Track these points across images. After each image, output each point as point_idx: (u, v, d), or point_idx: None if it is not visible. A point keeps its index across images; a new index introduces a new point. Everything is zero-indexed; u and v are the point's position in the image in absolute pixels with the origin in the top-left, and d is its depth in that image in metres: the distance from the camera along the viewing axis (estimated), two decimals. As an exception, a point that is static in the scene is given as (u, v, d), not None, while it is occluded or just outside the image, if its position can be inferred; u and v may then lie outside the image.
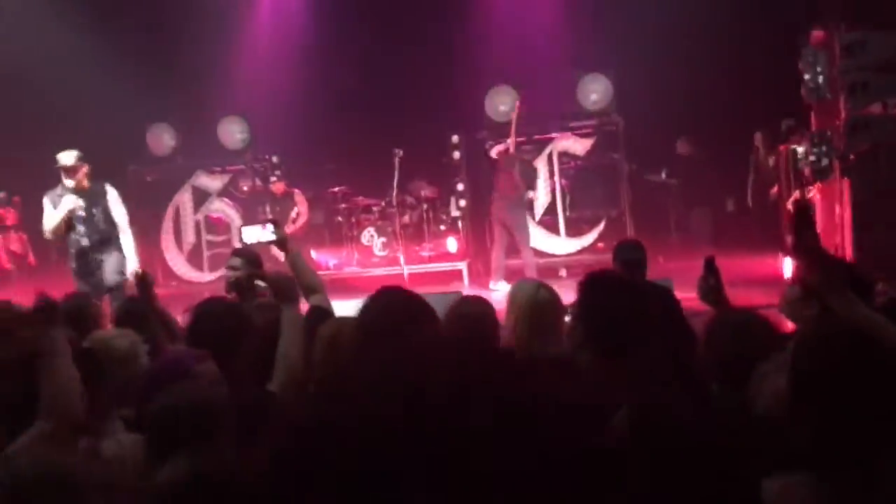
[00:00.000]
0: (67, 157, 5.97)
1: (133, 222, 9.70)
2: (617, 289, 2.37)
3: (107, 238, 6.08)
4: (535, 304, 2.73)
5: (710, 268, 2.60)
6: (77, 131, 7.39)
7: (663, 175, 10.14)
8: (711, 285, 2.57)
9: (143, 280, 3.55)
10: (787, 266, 6.82)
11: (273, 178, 9.50)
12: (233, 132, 10.19)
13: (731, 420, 1.87)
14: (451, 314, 2.71)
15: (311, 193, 10.50)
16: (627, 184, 9.38)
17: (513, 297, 2.80)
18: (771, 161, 8.84)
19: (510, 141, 8.67)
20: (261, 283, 2.95)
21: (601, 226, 9.32)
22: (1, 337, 2.20)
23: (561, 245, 9.49)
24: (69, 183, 5.97)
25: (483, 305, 2.86)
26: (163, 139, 10.25)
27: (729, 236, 9.33)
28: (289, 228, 8.98)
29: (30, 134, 9.11)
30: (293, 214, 9.04)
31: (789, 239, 7.61)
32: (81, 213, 6.01)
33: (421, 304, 2.32)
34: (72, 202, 5.95)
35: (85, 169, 6.04)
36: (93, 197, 6.07)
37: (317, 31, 10.23)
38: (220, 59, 10.09)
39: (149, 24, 10.29)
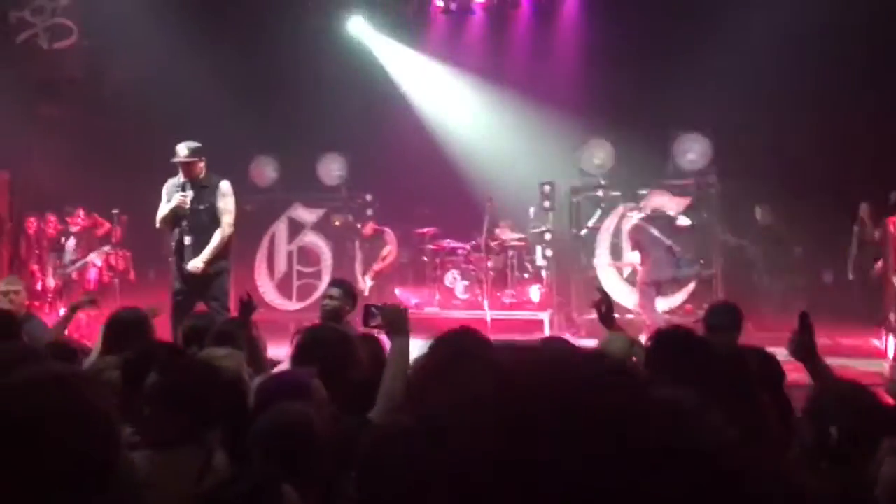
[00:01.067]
0: (182, 150, 5.87)
1: (230, 248, 10.24)
2: (683, 347, 2.34)
3: (208, 237, 5.89)
4: (628, 360, 2.72)
5: (804, 324, 2.54)
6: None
7: (738, 240, 9.84)
8: (804, 341, 2.50)
9: (246, 305, 3.64)
10: (892, 344, 6.51)
11: (361, 224, 9.71)
12: (331, 169, 10.55)
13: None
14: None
15: (400, 232, 10.75)
16: (720, 246, 9.18)
17: (605, 351, 2.80)
18: (877, 234, 8.48)
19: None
20: (373, 310, 2.99)
21: (690, 287, 9.13)
22: None
23: (648, 303, 9.33)
24: (181, 176, 5.88)
25: (567, 344, 2.82)
26: (265, 171, 10.70)
27: (825, 309, 8.95)
28: (377, 266, 9.21)
29: (140, 156, 9.57)
30: (384, 253, 9.25)
31: (893, 316, 7.32)
32: (187, 206, 5.86)
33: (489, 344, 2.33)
34: (180, 199, 5.83)
35: (201, 163, 5.93)
36: (202, 192, 5.91)
37: (416, 77, 10.54)
38: (323, 97, 10.51)
39: (259, 58, 10.80)
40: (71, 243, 9.21)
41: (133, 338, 3.27)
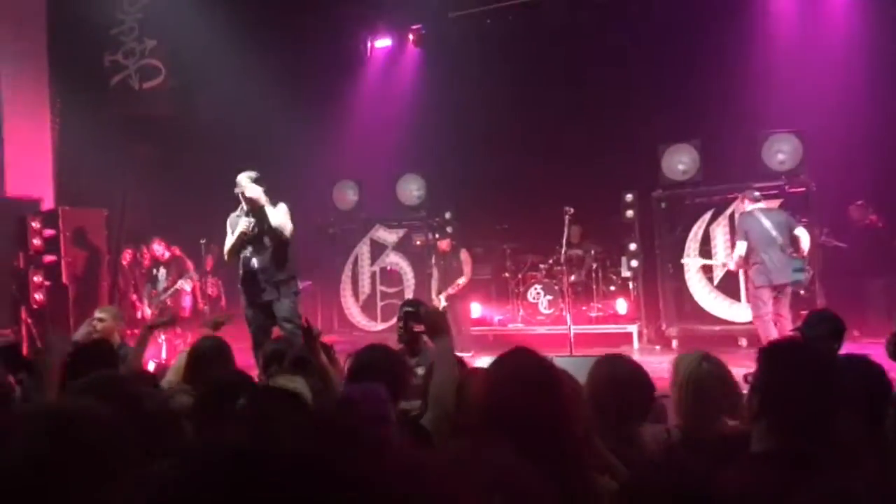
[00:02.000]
0: (242, 180, 5.94)
1: (316, 272, 10.45)
2: (799, 359, 2.18)
3: (278, 259, 5.93)
4: (699, 376, 2.56)
5: None
6: (271, 185, 7.98)
7: (833, 240, 9.21)
8: None
9: (308, 332, 3.59)
10: None
11: (438, 235, 9.66)
12: (410, 189, 10.64)
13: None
14: (596, 376, 2.58)
15: (481, 249, 10.71)
16: (818, 250, 8.69)
17: (676, 370, 2.65)
18: None
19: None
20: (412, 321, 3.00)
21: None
22: None
23: (742, 313, 8.93)
24: (244, 205, 5.96)
25: (631, 366, 2.64)
26: (347, 195, 10.90)
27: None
28: (453, 288, 9.12)
29: (226, 188, 9.90)
30: (459, 280, 9.15)
31: None
32: (252, 231, 5.92)
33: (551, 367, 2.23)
34: (244, 224, 5.91)
35: (259, 189, 5.94)
36: (264, 217, 5.96)
37: (492, 92, 10.49)
38: (400, 119, 10.63)
39: (334, 84, 11.03)
40: (162, 273, 9.60)
41: (213, 366, 3.34)
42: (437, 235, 9.68)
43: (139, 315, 9.87)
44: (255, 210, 5.98)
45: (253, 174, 6.02)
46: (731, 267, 8.03)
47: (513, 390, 1.92)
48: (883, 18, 7.72)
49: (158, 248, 9.72)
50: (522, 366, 2.00)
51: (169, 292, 9.40)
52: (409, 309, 3.19)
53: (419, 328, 2.93)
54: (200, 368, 3.33)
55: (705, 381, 2.55)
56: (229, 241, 6.09)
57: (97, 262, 9.25)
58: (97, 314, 5.39)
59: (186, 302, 9.87)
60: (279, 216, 5.96)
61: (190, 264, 9.80)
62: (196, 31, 10.06)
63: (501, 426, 1.81)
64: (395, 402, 2.55)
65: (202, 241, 9.01)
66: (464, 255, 9.28)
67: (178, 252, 9.76)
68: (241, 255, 6.06)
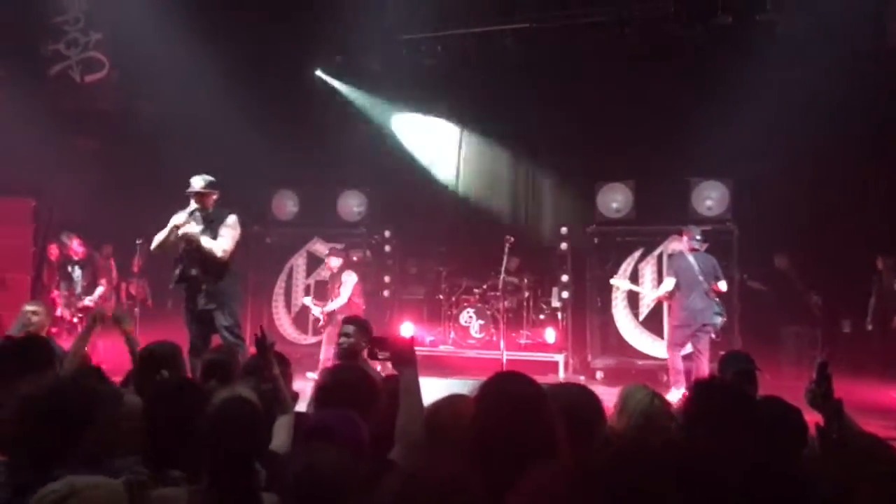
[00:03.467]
0: (197, 182, 6.00)
1: (249, 281, 10.33)
2: (726, 398, 2.34)
3: (221, 272, 5.92)
4: (650, 413, 2.73)
5: (823, 373, 2.51)
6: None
7: (756, 283, 9.78)
8: (822, 391, 2.48)
9: (261, 342, 3.43)
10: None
11: (329, 251, 9.55)
12: (351, 204, 10.66)
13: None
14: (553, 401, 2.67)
15: (416, 269, 10.81)
16: (738, 294, 9.14)
17: (626, 401, 2.80)
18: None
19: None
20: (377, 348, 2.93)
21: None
22: None
23: (664, 350, 9.28)
24: (193, 206, 5.96)
25: (590, 396, 2.77)
26: (286, 205, 10.83)
27: (843, 360, 8.88)
28: (328, 308, 9.05)
29: (163, 187, 9.68)
30: (333, 305, 8.98)
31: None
32: (183, 227, 5.85)
33: (542, 393, 2.27)
34: (180, 218, 5.89)
35: (213, 196, 6.02)
36: (211, 225, 5.97)
37: (439, 113, 10.67)
38: (344, 134, 10.65)
39: (283, 94, 10.97)
40: (77, 272, 9.24)
41: (165, 370, 3.32)
42: (330, 249, 9.55)
43: (59, 313, 9.53)
44: (204, 216, 5.99)
45: (209, 178, 6.05)
46: (654, 298, 8.42)
47: (504, 417, 1.92)
48: (817, 66, 8.20)
49: (76, 246, 9.36)
50: (513, 391, 2.00)
51: (90, 298, 9.05)
52: (376, 336, 3.09)
53: (384, 355, 2.81)
54: (151, 372, 3.30)
55: (655, 416, 2.70)
56: (161, 233, 6.00)
57: (21, 253, 8.92)
58: (30, 307, 5.25)
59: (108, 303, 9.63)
60: (228, 231, 5.96)
61: (103, 265, 9.49)
62: (143, 28, 9.86)
63: (489, 453, 1.81)
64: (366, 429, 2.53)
65: (138, 242, 8.80)
66: (346, 277, 8.99)
67: (91, 252, 9.40)
68: (180, 264, 6.01)
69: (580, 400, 2.61)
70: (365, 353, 3.39)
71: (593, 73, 10.10)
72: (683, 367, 7.67)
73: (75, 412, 2.34)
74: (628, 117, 9.85)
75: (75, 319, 9.09)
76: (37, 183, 10.02)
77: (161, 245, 6.02)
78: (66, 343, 7.02)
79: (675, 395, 7.15)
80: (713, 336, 7.78)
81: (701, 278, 7.67)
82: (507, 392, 2.01)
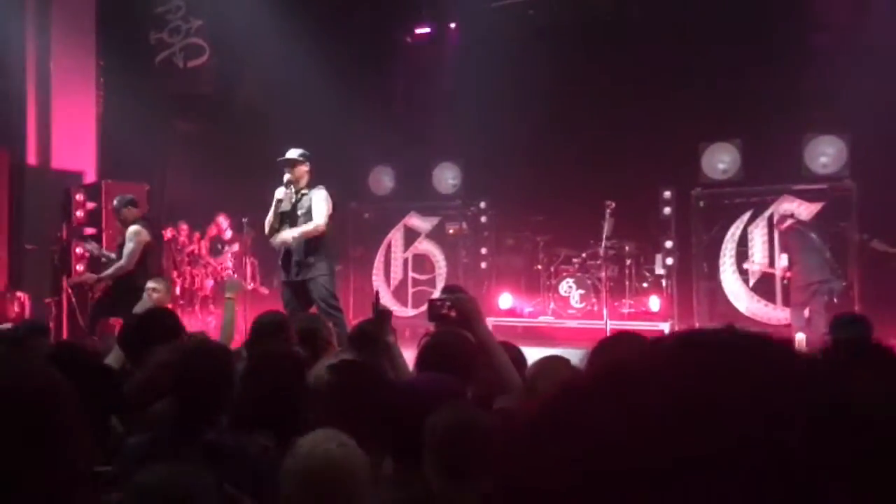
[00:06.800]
0: (291, 152, 6.19)
1: (349, 256, 10.54)
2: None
3: (310, 242, 6.03)
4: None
5: None
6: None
7: (887, 246, 9.10)
8: None
9: (381, 314, 3.51)
10: None
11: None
12: (445, 177, 10.65)
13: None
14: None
15: (513, 240, 10.70)
16: (857, 254, 8.58)
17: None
18: None
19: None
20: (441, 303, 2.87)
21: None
22: None
23: (776, 315, 8.86)
24: (287, 176, 6.13)
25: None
26: (382, 180, 10.95)
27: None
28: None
29: (265, 167, 9.97)
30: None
31: None
32: (287, 207, 6.08)
33: None
34: (280, 192, 6.11)
35: (304, 167, 6.16)
36: (303, 198, 6.13)
37: (531, 82, 10.44)
38: (439, 106, 10.61)
39: (375, 70, 11.04)
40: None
41: (272, 340, 3.40)
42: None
43: (177, 291, 10.05)
44: (298, 189, 6.13)
45: (302, 150, 6.18)
46: (781, 271, 8.24)
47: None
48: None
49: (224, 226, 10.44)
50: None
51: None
52: (439, 300, 3.06)
53: (448, 314, 2.75)
54: (260, 342, 3.39)
55: None
56: (269, 216, 6.22)
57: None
58: (151, 284, 5.51)
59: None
60: (318, 202, 6.07)
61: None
62: (241, 12, 10.13)
63: None
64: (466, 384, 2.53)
65: (244, 220, 9.10)
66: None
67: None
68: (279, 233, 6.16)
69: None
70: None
71: (695, 26, 9.63)
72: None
73: (222, 375, 2.43)
74: (734, 72, 9.33)
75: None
76: (148, 168, 10.52)
77: (271, 227, 6.21)
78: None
79: (798, 340, 7.15)
80: (835, 300, 7.52)
81: (818, 243, 7.64)
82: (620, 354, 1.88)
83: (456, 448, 1.89)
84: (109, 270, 6.92)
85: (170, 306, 5.51)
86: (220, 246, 10.44)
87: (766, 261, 8.89)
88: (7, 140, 9.09)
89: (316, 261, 6.04)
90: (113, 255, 7.23)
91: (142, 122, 10.08)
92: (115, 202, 7.16)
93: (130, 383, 2.79)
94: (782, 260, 7.91)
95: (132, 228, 6.86)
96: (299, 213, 6.12)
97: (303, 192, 6.15)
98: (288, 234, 6.02)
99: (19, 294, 8.45)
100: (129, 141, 10.11)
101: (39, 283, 8.52)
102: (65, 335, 7.24)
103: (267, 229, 6.28)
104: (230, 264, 10.47)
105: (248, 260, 10.19)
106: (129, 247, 6.77)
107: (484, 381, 2.55)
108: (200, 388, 2.33)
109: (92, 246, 7.72)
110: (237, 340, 4.37)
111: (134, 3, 10.60)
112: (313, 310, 5.99)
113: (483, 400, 2.48)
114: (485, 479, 1.69)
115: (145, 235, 6.90)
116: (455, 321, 2.84)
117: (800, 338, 7.25)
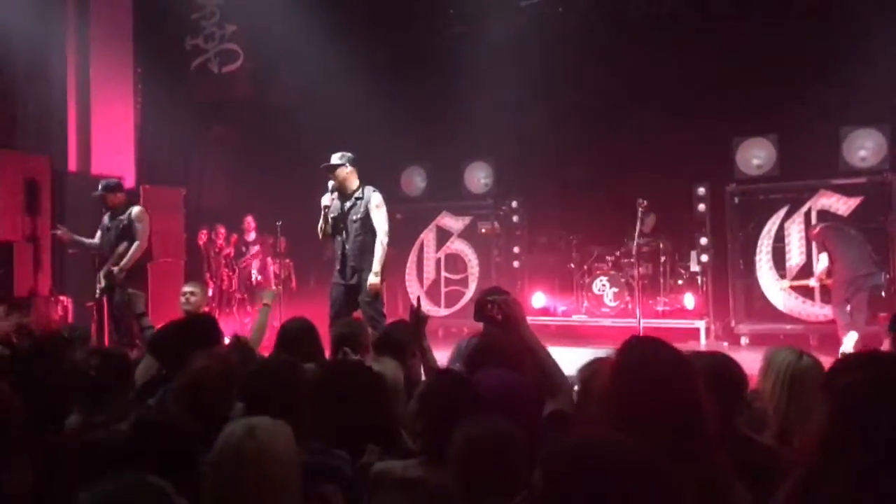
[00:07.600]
0: (334, 157, 6.14)
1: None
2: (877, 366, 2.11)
3: (365, 247, 6.04)
4: (796, 371, 2.53)
5: None
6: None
7: None
8: None
9: (417, 316, 3.50)
10: None
11: None
12: (477, 177, 10.67)
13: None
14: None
15: (545, 238, 10.67)
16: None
17: (770, 362, 2.62)
18: None
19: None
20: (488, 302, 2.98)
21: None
22: None
23: (814, 311, 8.72)
24: (331, 183, 6.10)
25: (729, 362, 2.53)
26: (414, 180, 11.00)
27: None
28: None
29: (299, 170, 10.04)
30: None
31: None
32: (335, 213, 6.04)
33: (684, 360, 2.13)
34: (326, 199, 6.07)
35: (346, 169, 6.07)
36: (356, 203, 6.08)
37: (562, 81, 10.40)
38: (469, 105, 10.62)
39: (405, 70, 11.08)
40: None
41: (302, 345, 3.45)
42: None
43: (210, 293, 10.22)
44: (345, 194, 6.12)
45: (343, 153, 6.17)
46: (819, 276, 8.08)
47: (642, 384, 1.80)
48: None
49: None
50: (652, 358, 1.87)
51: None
52: (487, 300, 3.17)
53: (495, 313, 2.85)
54: (289, 347, 3.43)
55: (802, 376, 2.50)
56: (320, 223, 6.22)
57: (175, 241, 9.57)
58: (187, 288, 5.61)
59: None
60: (380, 216, 6.05)
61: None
62: (275, 17, 10.24)
63: (629, 421, 1.70)
64: None
65: (278, 224, 9.21)
66: None
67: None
68: (336, 239, 6.20)
69: (720, 367, 2.47)
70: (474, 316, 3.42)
71: (728, 17, 9.50)
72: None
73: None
74: (768, 66, 9.18)
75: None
76: (184, 172, 10.70)
77: (323, 231, 6.21)
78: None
79: (850, 340, 7.06)
80: (882, 294, 7.47)
81: (859, 238, 7.57)
82: (648, 363, 1.84)
83: (476, 463, 1.88)
84: (128, 255, 6.99)
85: (206, 309, 5.60)
86: (243, 248, 10.64)
87: (802, 260, 8.79)
88: (49, 147, 9.32)
89: (366, 264, 6.05)
90: (95, 242, 7.32)
91: (178, 127, 10.27)
92: (101, 186, 7.28)
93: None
94: (821, 262, 7.79)
95: (137, 209, 7.23)
96: (353, 217, 6.10)
97: (356, 196, 6.12)
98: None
99: (62, 298, 8.66)
100: (166, 146, 10.32)
101: (81, 287, 8.70)
102: (106, 341, 7.38)
103: (320, 235, 6.30)
104: (255, 265, 10.62)
105: (273, 261, 10.35)
106: (139, 227, 7.10)
107: (533, 383, 2.58)
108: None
109: (62, 231, 7.46)
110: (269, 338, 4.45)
111: (169, 11, 10.77)
112: (357, 314, 6.02)
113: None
114: (507, 497, 1.70)
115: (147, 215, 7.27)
116: (500, 323, 2.92)
117: (853, 337, 7.12)
